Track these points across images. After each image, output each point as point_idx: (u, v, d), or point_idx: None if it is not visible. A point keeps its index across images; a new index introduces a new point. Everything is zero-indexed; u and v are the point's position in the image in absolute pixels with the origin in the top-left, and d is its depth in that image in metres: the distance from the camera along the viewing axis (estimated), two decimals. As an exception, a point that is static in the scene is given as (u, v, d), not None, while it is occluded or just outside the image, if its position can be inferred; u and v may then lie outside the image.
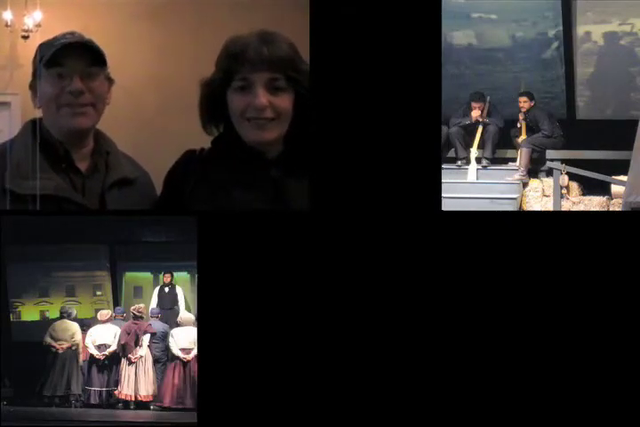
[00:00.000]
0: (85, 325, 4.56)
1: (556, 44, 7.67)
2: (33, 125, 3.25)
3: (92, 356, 4.50)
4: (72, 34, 3.25)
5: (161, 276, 4.70)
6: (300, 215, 3.44)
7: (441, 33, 3.55)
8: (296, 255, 3.54)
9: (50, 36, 3.29)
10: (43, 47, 3.23)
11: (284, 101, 3.08)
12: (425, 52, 3.52)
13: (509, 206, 7.21)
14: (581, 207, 7.29)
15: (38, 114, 3.25)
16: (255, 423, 3.66)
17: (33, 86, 3.24)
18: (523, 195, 7.46)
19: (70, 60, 3.16)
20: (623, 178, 6.48)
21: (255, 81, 3.04)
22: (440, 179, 3.60)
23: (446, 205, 7.12)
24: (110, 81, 3.28)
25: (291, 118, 3.12)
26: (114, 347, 4.52)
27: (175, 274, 4.70)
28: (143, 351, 4.50)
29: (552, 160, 7.43)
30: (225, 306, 3.62)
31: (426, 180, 3.56)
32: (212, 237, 3.57)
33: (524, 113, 7.55)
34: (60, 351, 4.48)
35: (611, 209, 7.11)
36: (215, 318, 3.64)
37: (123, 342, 4.50)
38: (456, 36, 7.80)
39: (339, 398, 3.63)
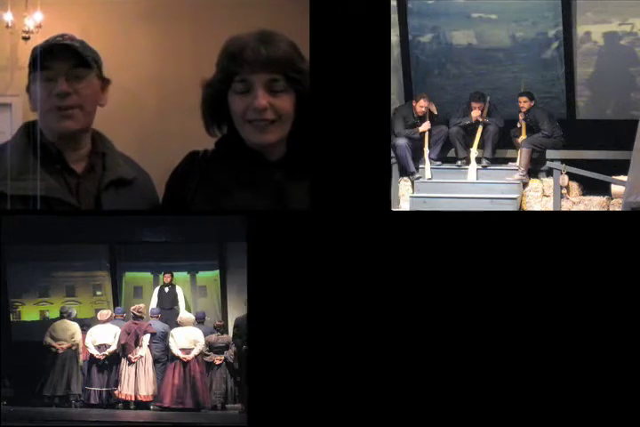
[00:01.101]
0: (85, 325, 4.57)
1: (555, 44, 7.67)
2: (27, 128, 3.24)
3: (92, 356, 4.51)
4: (62, 36, 3.22)
5: (161, 276, 4.71)
6: (342, 215, 3.51)
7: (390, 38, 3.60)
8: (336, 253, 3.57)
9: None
10: (35, 50, 3.21)
11: (285, 102, 3.04)
12: (374, 60, 3.56)
13: (509, 206, 7.21)
14: (581, 207, 7.29)
15: (37, 116, 3.23)
16: (303, 424, 3.65)
17: (29, 89, 3.23)
18: (523, 195, 7.46)
19: (56, 62, 3.13)
20: (623, 178, 6.48)
21: (254, 82, 3.00)
22: (389, 182, 3.63)
23: (447, 206, 7.18)
24: (105, 81, 3.25)
25: (292, 119, 3.09)
26: (114, 347, 4.52)
27: (175, 274, 4.71)
28: (143, 351, 4.51)
29: (552, 160, 7.42)
30: (275, 304, 3.62)
31: (376, 182, 3.58)
32: (262, 236, 3.58)
33: (524, 113, 7.54)
34: (60, 351, 4.49)
35: (611, 209, 7.11)
36: (265, 316, 3.63)
37: (123, 342, 4.51)
38: (456, 36, 7.79)
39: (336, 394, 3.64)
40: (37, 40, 3.33)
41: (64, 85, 3.15)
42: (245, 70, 3.02)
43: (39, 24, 5.16)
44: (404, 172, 7.72)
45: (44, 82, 3.17)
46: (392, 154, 7.70)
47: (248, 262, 3.58)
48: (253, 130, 3.03)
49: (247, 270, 3.58)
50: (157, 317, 4.58)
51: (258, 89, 3.01)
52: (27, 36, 5.16)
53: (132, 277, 4.71)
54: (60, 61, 3.17)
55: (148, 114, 4.85)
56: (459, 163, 7.74)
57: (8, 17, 5.29)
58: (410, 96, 7.86)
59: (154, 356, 4.53)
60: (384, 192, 3.63)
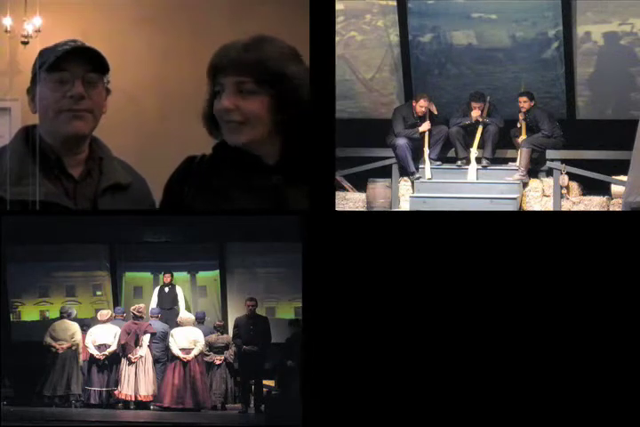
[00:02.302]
0: (85, 325, 4.57)
1: (556, 44, 7.68)
2: (26, 132, 3.25)
3: (92, 356, 4.52)
4: (74, 41, 3.24)
5: (161, 276, 4.72)
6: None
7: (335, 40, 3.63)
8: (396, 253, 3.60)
9: (49, 42, 3.28)
10: (44, 53, 3.22)
11: (253, 104, 3.04)
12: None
13: (509, 206, 7.22)
14: (581, 207, 7.30)
15: (37, 119, 3.24)
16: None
17: (31, 91, 3.24)
18: (523, 195, 7.47)
19: (72, 65, 3.15)
20: (623, 178, 6.49)
21: (225, 84, 3.05)
22: (333, 182, 3.67)
23: (447, 206, 7.19)
24: (107, 91, 3.28)
25: (266, 122, 3.10)
26: (114, 347, 4.53)
27: (175, 274, 4.71)
28: (143, 351, 4.51)
29: (552, 160, 7.44)
30: (330, 303, 3.62)
31: (321, 182, 3.61)
32: (317, 237, 3.60)
33: (524, 113, 7.55)
34: (60, 351, 4.49)
35: (611, 209, 7.12)
36: (319, 317, 3.63)
37: (123, 342, 4.51)
38: (456, 36, 7.80)
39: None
40: (36, 45, 3.34)
41: (80, 88, 3.16)
42: (221, 75, 3.06)
43: (38, 29, 5.17)
44: (404, 172, 7.73)
45: (56, 84, 3.18)
46: (392, 154, 7.74)
47: (303, 263, 3.58)
48: (227, 131, 3.08)
49: (302, 271, 3.58)
50: (157, 317, 4.58)
51: (226, 90, 3.05)
52: (26, 40, 5.17)
53: (132, 277, 4.72)
54: (77, 64, 3.18)
55: (148, 117, 4.87)
56: (459, 163, 7.75)
57: (7, 21, 5.31)
58: (410, 96, 7.87)
59: (154, 356, 4.53)
60: (328, 192, 3.67)
